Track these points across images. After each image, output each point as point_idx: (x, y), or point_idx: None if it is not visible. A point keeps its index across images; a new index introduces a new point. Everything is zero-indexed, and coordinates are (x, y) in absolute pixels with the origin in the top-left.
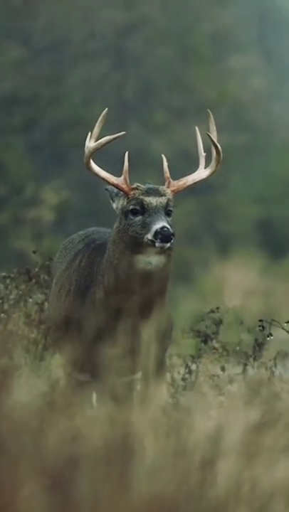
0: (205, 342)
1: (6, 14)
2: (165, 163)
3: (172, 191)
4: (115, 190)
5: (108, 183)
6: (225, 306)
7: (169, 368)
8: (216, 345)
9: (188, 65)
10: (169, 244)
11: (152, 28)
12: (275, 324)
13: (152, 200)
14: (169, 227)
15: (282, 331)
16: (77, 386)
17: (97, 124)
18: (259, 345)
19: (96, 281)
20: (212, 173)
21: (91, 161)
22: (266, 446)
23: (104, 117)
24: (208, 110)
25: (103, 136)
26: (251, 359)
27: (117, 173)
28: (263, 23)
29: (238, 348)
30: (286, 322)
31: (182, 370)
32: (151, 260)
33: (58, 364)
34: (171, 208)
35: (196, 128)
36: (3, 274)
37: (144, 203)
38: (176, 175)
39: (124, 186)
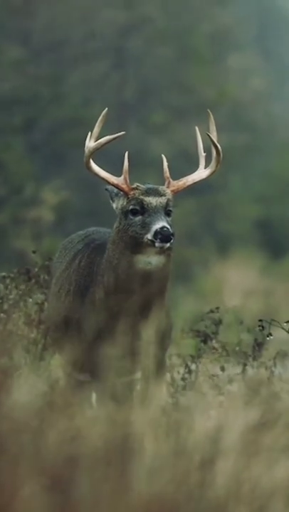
0: (205, 342)
1: (6, 14)
2: (165, 163)
3: (172, 191)
4: (115, 190)
5: (108, 183)
6: (225, 306)
7: (169, 368)
8: (216, 345)
9: (188, 65)
10: (168, 244)
11: (152, 28)
12: (275, 324)
13: (152, 200)
14: (168, 227)
15: (282, 331)
16: (76, 386)
17: (97, 124)
18: (259, 345)
19: (96, 281)
20: (212, 173)
21: (91, 161)
22: (266, 446)
23: (104, 117)
24: (208, 110)
25: (103, 136)
26: (251, 359)
27: (117, 173)
28: (263, 23)
29: (237, 348)
30: (286, 322)
31: (182, 370)
32: (151, 260)
33: (57, 364)
34: (171, 208)
35: (196, 128)
36: (3, 274)
37: (144, 202)
38: (176, 175)
39: (124, 186)
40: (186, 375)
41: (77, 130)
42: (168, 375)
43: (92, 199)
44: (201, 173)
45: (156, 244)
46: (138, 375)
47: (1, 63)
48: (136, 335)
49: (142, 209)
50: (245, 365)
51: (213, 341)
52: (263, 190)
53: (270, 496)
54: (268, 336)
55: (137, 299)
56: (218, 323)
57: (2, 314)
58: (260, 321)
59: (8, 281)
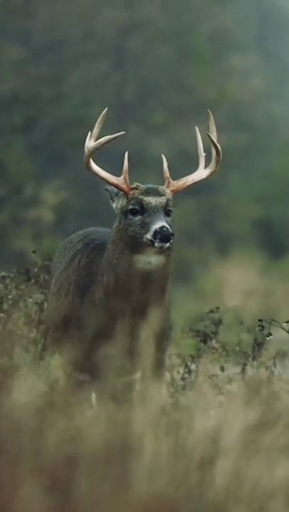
0: (204, 342)
1: (6, 14)
2: (165, 163)
3: (172, 191)
4: (115, 190)
5: (108, 182)
6: (224, 306)
7: (169, 368)
8: (216, 345)
9: (188, 65)
10: (168, 244)
11: (152, 28)
12: (275, 324)
13: (152, 200)
14: (168, 227)
15: (282, 331)
16: (76, 386)
17: (96, 124)
18: (258, 345)
19: (95, 281)
20: (212, 173)
21: (91, 161)
22: (266, 446)
23: (104, 117)
24: (208, 110)
25: (103, 136)
26: (250, 359)
27: (117, 173)
28: (263, 23)
29: (237, 347)
30: (286, 322)
31: (182, 370)
32: (150, 260)
33: (57, 364)
34: (170, 208)
35: (196, 128)
36: (3, 273)
37: (144, 202)
38: (176, 175)
39: (123, 186)
40: (186, 375)
41: (77, 130)
42: (168, 375)
43: (92, 199)
44: (201, 173)
45: (156, 244)
46: (138, 375)
47: (1, 63)
48: (135, 335)
49: (141, 209)
50: (244, 365)
51: (213, 341)
52: (262, 190)
53: (270, 496)
54: (267, 336)
55: (136, 299)
56: (218, 323)
57: (2, 314)
58: (260, 321)
59: (7, 281)
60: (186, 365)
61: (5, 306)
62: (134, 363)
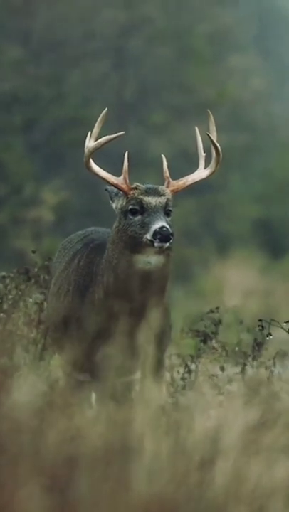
0: (204, 342)
1: (6, 14)
2: (165, 163)
3: (172, 191)
4: (115, 190)
5: (108, 182)
6: (224, 306)
7: (169, 368)
8: (216, 345)
9: (188, 65)
10: (168, 244)
11: (152, 28)
12: (275, 324)
13: (151, 200)
14: (168, 226)
15: (282, 331)
16: (76, 386)
17: (96, 124)
18: (258, 345)
19: (95, 281)
20: (212, 173)
21: (91, 161)
22: (265, 445)
23: (104, 117)
24: (208, 110)
25: (103, 136)
26: (250, 359)
27: (117, 173)
28: (263, 23)
29: (237, 347)
30: (285, 322)
31: (181, 370)
32: (150, 260)
33: (57, 364)
34: (170, 208)
35: (196, 128)
36: (3, 273)
37: (144, 202)
38: (176, 175)
39: (123, 186)
40: (186, 375)
41: (77, 130)
42: (168, 375)
43: (92, 199)
44: (201, 173)
45: (156, 244)
46: (137, 375)
47: (1, 63)
48: (135, 335)
49: (141, 209)
50: (244, 365)
51: (213, 341)
52: (262, 190)
53: (270, 496)
54: (267, 336)
55: (136, 299)
56: (217, 323)
57: (2, 314)
58: (260, 321)
59: (7, 281)
60: (186, 365)
61: (5, 306)
62: (134, 363)
